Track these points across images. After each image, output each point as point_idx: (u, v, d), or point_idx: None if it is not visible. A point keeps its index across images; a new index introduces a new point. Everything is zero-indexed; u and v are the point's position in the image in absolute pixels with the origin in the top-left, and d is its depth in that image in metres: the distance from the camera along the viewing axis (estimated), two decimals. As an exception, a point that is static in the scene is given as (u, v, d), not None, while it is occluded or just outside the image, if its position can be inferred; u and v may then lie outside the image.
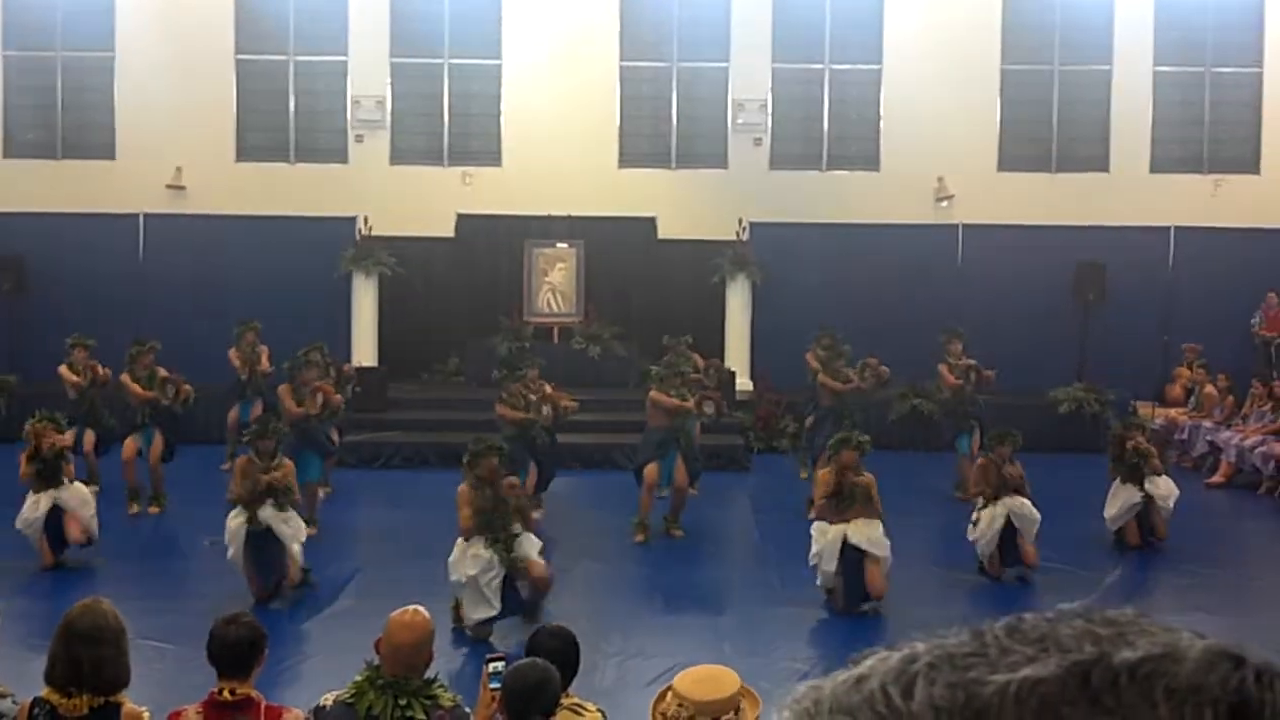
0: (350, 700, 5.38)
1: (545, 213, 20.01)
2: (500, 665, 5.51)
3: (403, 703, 5.34)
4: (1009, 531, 11.81)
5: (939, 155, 20.38)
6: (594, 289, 19.60)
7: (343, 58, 20.71)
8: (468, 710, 5.53)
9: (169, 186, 20.32)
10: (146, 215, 20.08)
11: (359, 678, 5.46)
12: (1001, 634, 0.79)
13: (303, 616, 10.74)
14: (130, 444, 14.32)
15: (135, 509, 14.20)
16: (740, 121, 20.77)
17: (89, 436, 14.81)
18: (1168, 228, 20.31)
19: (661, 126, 21.03)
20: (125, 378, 14.46)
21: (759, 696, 4.82)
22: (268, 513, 10.96)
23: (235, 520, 11.03)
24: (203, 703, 5.32)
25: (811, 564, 10.97)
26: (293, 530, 11.02)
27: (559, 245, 19.70)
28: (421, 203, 20.21)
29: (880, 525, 10.91)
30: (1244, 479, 16.52)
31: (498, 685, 5.37)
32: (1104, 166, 20.98)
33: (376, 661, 5.48)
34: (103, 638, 5.09)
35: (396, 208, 19.89)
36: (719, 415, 14.68)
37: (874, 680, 0.78)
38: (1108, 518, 13.19)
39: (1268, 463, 16.06)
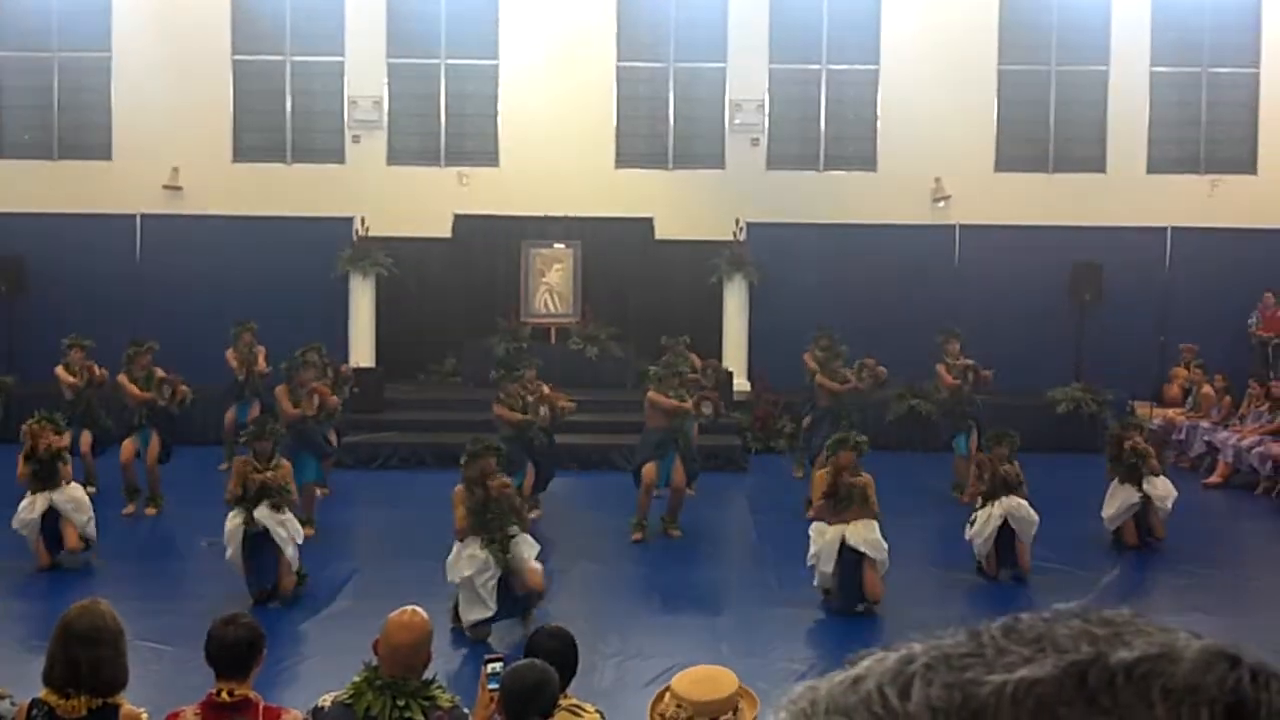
0: (348, 701, 5.38)
1: (542, 213, 20.00)
2: (498, 666, 5.51)
3: (401, 703, 5.34)
4: (1006, 533, 11.82)
5: (936, 156, 20.38)
6: (591, 289, 19.60)
7: (339, 58, 20.70)
8: (466, 711, 5.53)
9: (166, 187, 20.31)
10: (143, 216, 20.08)
11: (357, 678, 5.46)
12: (998, 634, 0.79)
13: (301, 617, 10.73)
14: (128, 446, 14.31)
15: (131, 509, 14.19)
16: (737, 122, 20.77)
17: (85, 437, 14.80)
18: (1164, 228, 20.32)
19: (658, 127, 21.03)
20: (123, 378, 14.45)
21: (757, 697, 4.82)
22: (264, 513, 10.95)
23: (233, 521, 11.02)
24: (201, 704, 5.32)
25: (809, 564, 10.97)
26: (288, 533, 10.99)
27: (556, 246, 19.70)
28: (418, 203, 20.21)
29: (878, 527, 10.92)
30: (1241, 479, 16.53)
31: (496, 686, 5.37)
32: (1101, 167, 20.98)
33: (374, 662, 5.48)
34: (101, 639, 5.08)
35: (393, 208, 19.88)
36: (717, 416, 14.68)
37: (870, 681, 0.78)
38: (1105, 518, 13.20)
39: (1265, 463, 16.07)
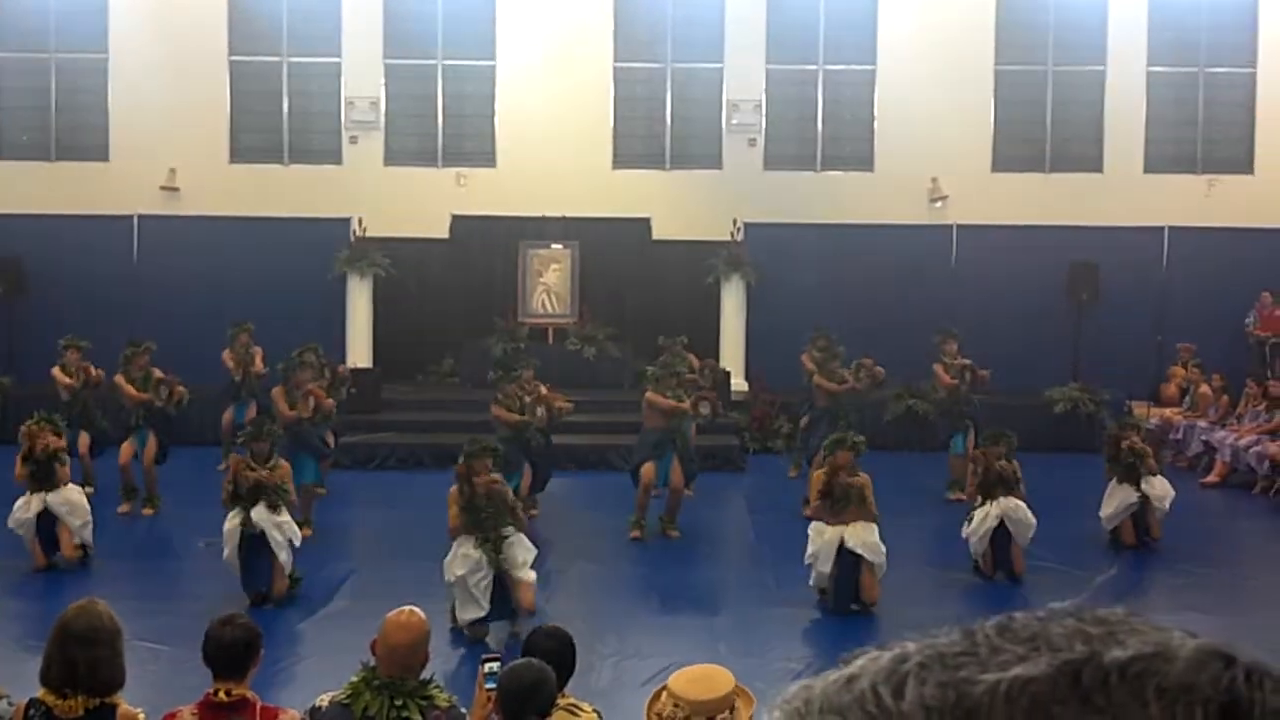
0: (346, 701, 5.38)
1: (540, 214, 20.00)
2: (496, 666, 5.52)
3: (398, 703, 5.34)
4: (1002, 534, 11.81)
5: (933, 156, 20.38)
6: (588, 290, 19.60)
7: (336, 59, 20.69)
8: (464, 711, 5.53)
9: (163, 188, 20.30)
10: (141, 217, 20.07)
11: (355, 678, 5.46)
12: (992, 633, 0.79)
13: (298, 617, 10.73)
14: (127, 448, 14.31)
15: (127, 507, 14.19)
16: (734, 122, 20.77)
17: (83, 439, 14.79)
18: (1161, 228, 20.33)
19: (656, 127, 21.02)
20: (120, 379, 14.45)
21: (753, 695, 4.82)
22: (261, 515, 10.93)
23: (231, 522, 11.02)
24: (198, 704, 5.31)
25: (806, 563, 10.97)
26: (284, 537, 10.96)
27: (553, 246, 19.70)
28: (416, 204, 20.20)
29: (876, 530, 10.92)
30: (1239, 478, 16.54)
31: (493, 686, 5.37)
32: (1098, 167, 20.98)
33: (372, 662, 5.48)
34: (98, 639, 5.08)
35: (391, 209, 19.88)
36: (715, 416, 14.68)
37: (865, 680, 0.78)
38: (1103, 517, 13.21)
39: (1262, 462, 16.08)
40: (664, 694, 4.74)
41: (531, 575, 10.28)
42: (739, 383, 19.22)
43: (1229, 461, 16.67)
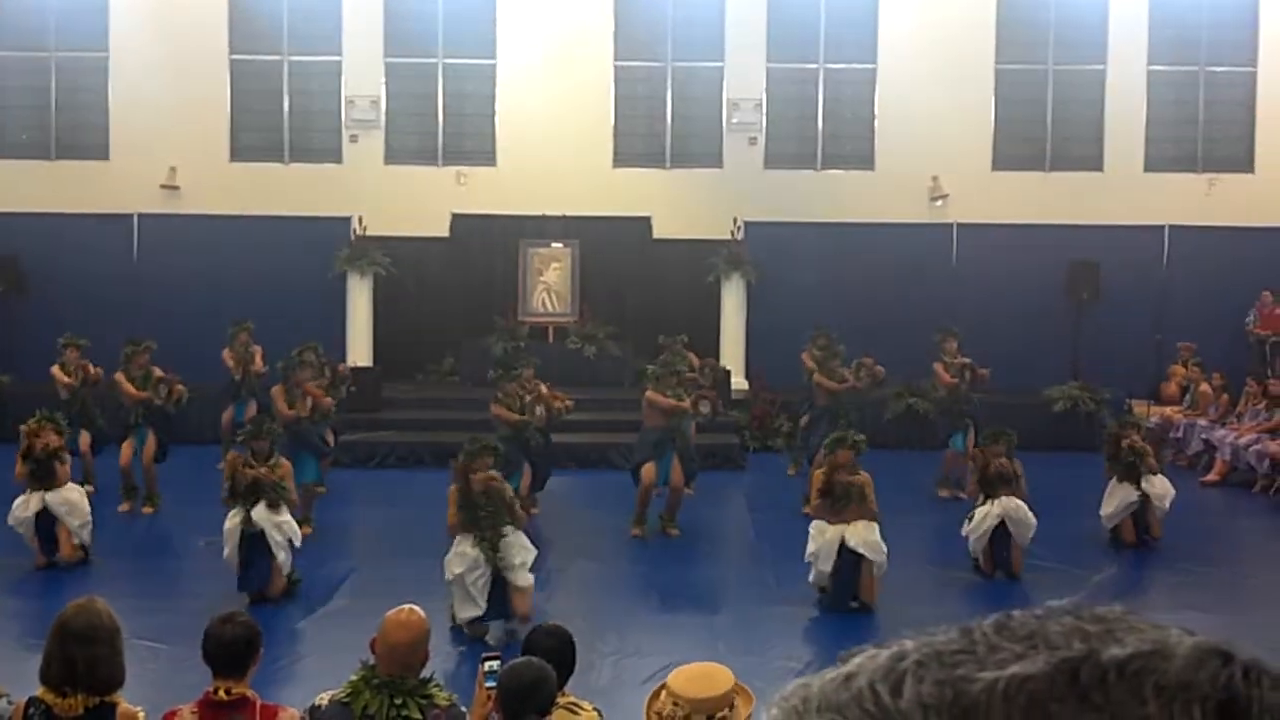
0: (346, 700, 5.38)
1: (540, 212, 20.00)
2: (495, 664, 5.51)
3: (398, 702, 5.33)
4: (1002, 534, 11.81)
5: (933, 154, 20.39)
6: (589, 288, 19.60)
7: (337, 57, 20.69)
8: (464, 709, 5.53)
9: (163, 186, 20.30)
10: (141, 215, 20.08)
11: (354, 677, 5.46)
12: (990, 631, 0.79)
13: (298, 616, 10.73)
14: (126, 448, 14.31)
15: (127, 507, 14.19)
16: (735, 121, 20.77)
17: (84, 437, 14.78)
18: (1162, 226, 20.33)
19: (656, 126, 21.02)
20: (119, 377, 14.45)
21: (752, 693, 4.82)
22: (262, 515, 10.91)
23: (231, 520, 11.01)
24: (198, 702, 5.32)
25: (807, 561, 10.97)
26: (283, 537, 10.93)
27: (554, 245, 19.70)
28: (416, 203, 20.20)
29: (877, 528, 10.92)
30: (1239, 477, 16.55)
31: (493, 684, 5.37)
32: (1098, 165, 20.98)
33: (372, 661, 5.48)
34: (97, 637, 5.08)
35: (391, 208, 19.88)
36: (715, 414, 14.68)
37: (862, 678, 0.78)
38: (1103, 516, 13.20)
39: (1262, 461, 16.08)
40: (663, 692, 4.74)
41: (529, 580, 10.21)
42: (739, 381, 19.22)
43: (1229, 460, 16.67)
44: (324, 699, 5.46)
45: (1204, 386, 18.20)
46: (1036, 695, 0.74)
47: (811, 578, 10.98)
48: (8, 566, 11.77)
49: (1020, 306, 19.61)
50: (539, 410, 13.82)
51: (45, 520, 11.87)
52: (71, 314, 17.79)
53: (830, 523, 10.93)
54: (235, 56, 20.69)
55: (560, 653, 5.71)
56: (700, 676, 4.76)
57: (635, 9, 20.77)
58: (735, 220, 19.88)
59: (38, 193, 19.96)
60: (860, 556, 10.81)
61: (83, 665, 5.03)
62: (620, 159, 20.82)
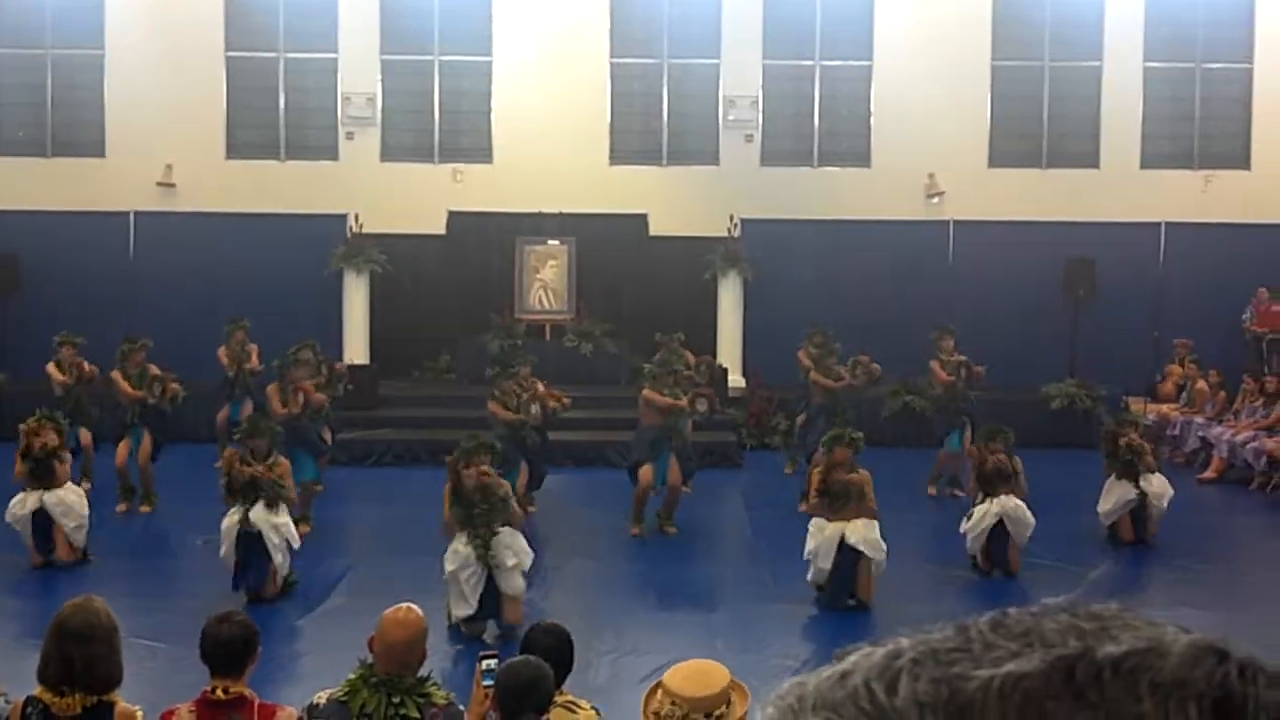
0: (344, 698, 5.38)
1: (536, 210, 20.00)
2: (493, 663, 5.51)
3: (396, 700, 5.33)
4: (1001, 532, 11.82)
5: (930, 151, 20.40)
6: (585, 286, 19.59)
7: (333, 55, 20.69)
8: (461, 708, 5.53)
9: (159, 184, 20.30)
10: (137, 213, 20.05)
11: (352, 675, 5.45)
12: (986, 629, 0.79)
13: (296, 614, 10.73)
14: (123, 448, 14.28)
15: (124, 507, 14.17)
16: (731, 118, 20.77)
17: (85, 435, 14.76)
18: (1158, 223, 20.34)
19: (652, 123, 21.03)
20: (116, 375, 14.44)
21: (748, 690, 4.82)
22: (260, 515, 10.87)
23: (229, 520, 10.98)
24: (196, 701, 5.31)
25: (806, 559, 10.96)
26: (280, 539, 10.88)
27: (550, 242, 19.70)
28: (412, 200, 20.20)
29: (877, 526, 10.91)
30: (1236, 474, 16.55)
31: (491, 683, 5.37)
32: (1094, 162, 21.00)
33: (370, 659, 5.48)
34: (95, 636, 5.08)
35: (387, 205, 19.87)
36: (712, 413, 14.68)
37: (858, 676, 0.78)
38: (1101, 513, 13.21)
39: (1259, 458, 16.08)
40: (660, 691, 4.73)
41: (519, 586, 10.12)
42: (736, 379, 19.21)
43: (1226, 457, 16.68)
44: (322, 697, 5.46)
45: (1201, 384, 18.20)
46: (1032, 693, 0.74)
47: (810, 575, 10.98)
48: (5, 565, 11.76)
49: (1017, 304, 19.61)
50: (534, 409, 13.79)
51: (42, 519, 11.85)
52: (68, 311, 17.76)
53: (829, 520, 10.92)
54: (231, 54, 20.69)
55: (558, 651, 5.71)
56: (697, 674, 4.75)
57: (631, 6, 20.78)
58: (732, 217, 19.87)
59: (34, 190, 19.94)
60: (859, 555, 10.80)
61: (80, 664, 5.03)
62: (616, 156, 20.83)
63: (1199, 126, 21.11)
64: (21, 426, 12.25)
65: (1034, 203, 20.28)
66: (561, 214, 19.97)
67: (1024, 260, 19.66)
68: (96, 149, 20.53)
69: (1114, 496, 13.14)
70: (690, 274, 19.81)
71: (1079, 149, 21.04)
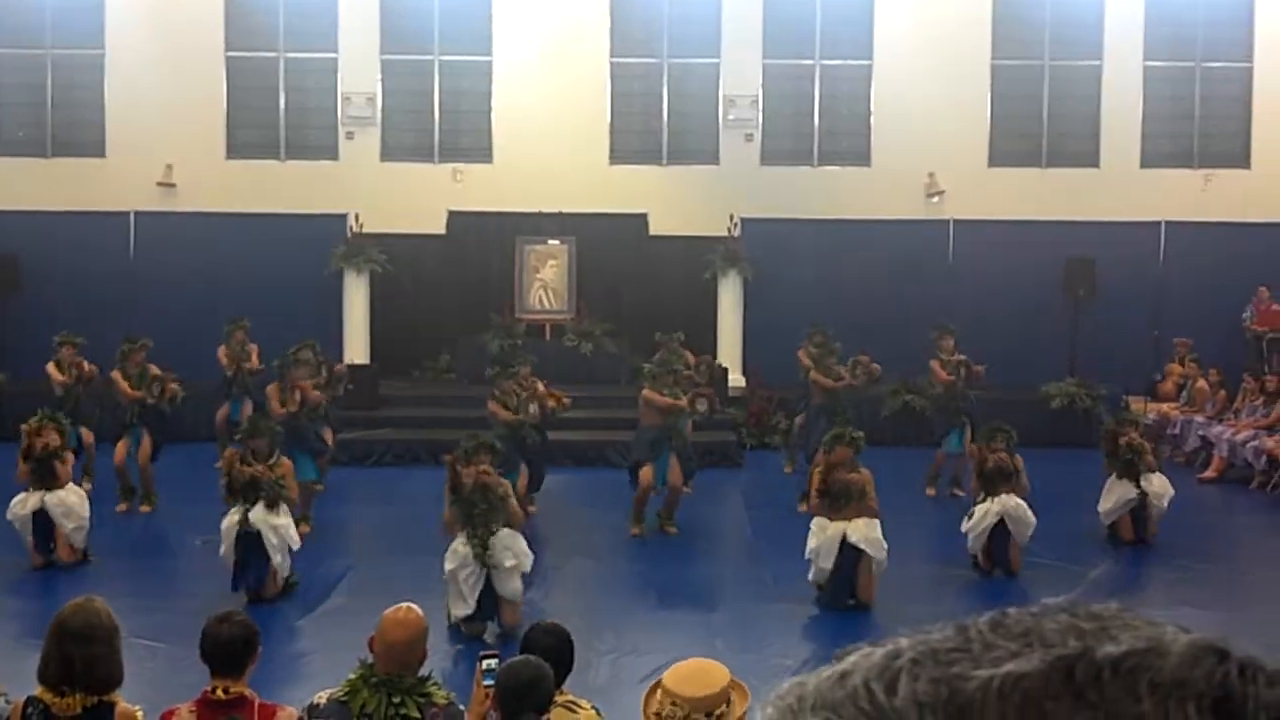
0: (344, 698, 5.38)
1: (536, 209, 20.00)
2: (494, 662, 5.51)
3: (396, 700, 5.33)
4: (1001, 531, 11.81)
5: (930, 151, 20.39)
6: (585, 286, 19.59)
7: (333, 54, 20.69)
8: (462, 708, 5.53)
9: (159, 184, 20.30)
10: (137, 213, 20.06)
11: (352, 675, 5.45)
12: (985, 629, 0.79)
13: (296, 614, 10.72)
14: (121, 447, 14.28)
15: (125, 507, 14.17)
16: (731, 117, 20.77)
17: (87, 435, 14.76)
18: (1158, 222, 20.34)
19: (652, 123, 21.03)
20: (116, 375, 14.44)
21: (747, 688, 4.82)
22: (259, 516, 10.86)
23: (229, 519, 10.97)
24: (196, 701, 5.31)
25: (807, 558, 10.96)
26: (279, 540, 10.87)
27: (550, 242, 19.70)
28: (412, 200, 20.20)
29: (879, 526, 10.90)
30: (1236, 474, 16.55)
31: (491, 682, 5.37)
32: (1094, 161, 21.00)
33: (370, 659, 5.48)
34: (95, 636, 5.08)
35: (387, 205, 19.87)
36: (711, 413, 14.68)
37: (857, 676, 0.78)
38: (1101, 512, 13.20)
39: (1259, 457, 16.08)
40: (659, 692, 4.73)
41: (516, 588, 10.11)
42: (736, 378, 19.20)
43: (1226, 457, 16.68)
44: (322, 697, 5.46)
45: (1201, 383, 18.20)
46: (1032, 693, 0.74)
47: (811, 575, 10.97)
48: (6, 565, 11.75)
49: (1017, 303, 19.61)
50: (532, 407, 13.76)
51: (43, 519, 11.85)
52: (68, 312, 17.76)
53: (831, 520, 10.92)
54: (231, 54, 20.69)
55: (558, 651, 5.71)
56: (696, 674, 4.75)
57: (631, 5, 20.78)
58: (732, 217, 19.87)
59: (34, 190, 19.94)
60: (860, 554, 10.79)
61: (80, 664, 5.03)
62: (616, 156, 20.83)
63: (1199, 126, 21.11)
64: (23, 427, 12.24)
65: (1034, 202, 20.28)
66: (561, 214, 19.97)
67: (1024, 259, 19.65)
68: (96, 149, 20.53)
69: (1114, 496, 13.14)
70: (690, 273, 19.82)
71: (1079, 148, 21.04)
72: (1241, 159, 21.06)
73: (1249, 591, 12.23)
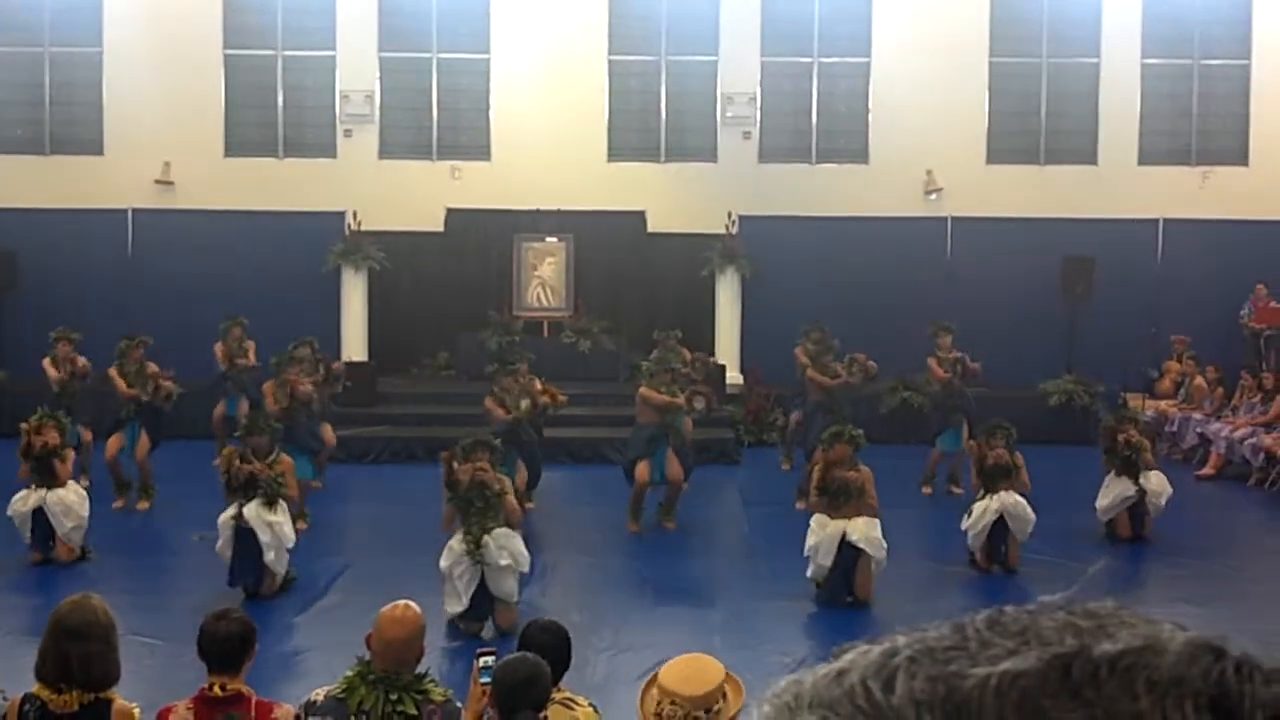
0: (341, 695, 5.38)
1: (534, 207, 20.00)
2: (490, 660, 5.51)
3: (394, 698, 5.33)
4: (1001, 528, 11.82)
5: (927, 148, 20.39)
6: (583, 283, 19.59)
7: (331, 52, 20.67)
8: (459, 705, 5.53)
9: (157, 182, 20.28)
10: (135, 211, 20.05)
11: (350, 673, 5.45)
12: (982, 627, 0.79)
13: (293, 611, 10.72)
14: (113, 442, 14.28)
15: (121, 503, 14.16)
16: (729, 115, 20.76)
17: (86, 433, 14.74)
18: (1156, 220, 20.35)
19: (650, 120, 21.01)
20: (113, 372, 14.43)
21: (741, 682, 4.82)
22: (253, 512, 10.85)
23: (226, 515, 10.97)
24: (193, 698, 5.31)
25: (806, 555, 10.95)
26: (275, 537, 10.85)
27: (548, 239, 19.70)
28: (410, 197, 20.19)
29: (879, 524, 10.90)
30: (1234, 470, 16.56)
31: (488, 680, 5.36)
32: (1092, 159, 20.99)
33: (367, 656, 5.48)
34: (92, 633, 5.08)
35: (385, 202, 19.87)
36: (709, 410, 14.69)
37: (854, 674, 0.78)
38: (1099, 509, 13.21)
39: (1257, 454, 16.09)
40: (655, 690, 4.73)
41: (510, 588, 10.10)
42: (734, 375, 19.21)
43: (1224, 454, 16.69)
44: (319, 695, 5.46)
45: (1199, 380, 18.21)
46: (1029, 691, 0.74)
47: (810, 572, 10.97)
48: (4, 562, 11.75)
49: (1015, 300, 19.61)
50: (524, 403, 13.70)
51: (42, 516, 11.85)
52: (66, 309, 17.73)
53: (831, 517, 10.91)
54: (229, 51, 20.67)
55: (555, 648, 5.71)
56: (692, 672, 4.75)
57: (629, 3, 20.76)
58: (730, 214, 19.87)
59: (32, 188, 19.93)
60: (858, 552, 10.80)
61: (78, 662, 5.03)
62: (614, 153, 20.81)
63: (1197, 123, 21.10)
64: (23, 425, 12.24)
65: (1032, 199, 20.28)
66: (559, 211, 19.97)
67: (1022, 257, 19.66)
68: (95, 147, 20.51)
69: (1113, 493, 13.15)
70: (688, 271, 19.82)
71: (1077, 145, 21.04)
72: (1239, 156, 21.06)
73: (1246, 589, 12.22)
